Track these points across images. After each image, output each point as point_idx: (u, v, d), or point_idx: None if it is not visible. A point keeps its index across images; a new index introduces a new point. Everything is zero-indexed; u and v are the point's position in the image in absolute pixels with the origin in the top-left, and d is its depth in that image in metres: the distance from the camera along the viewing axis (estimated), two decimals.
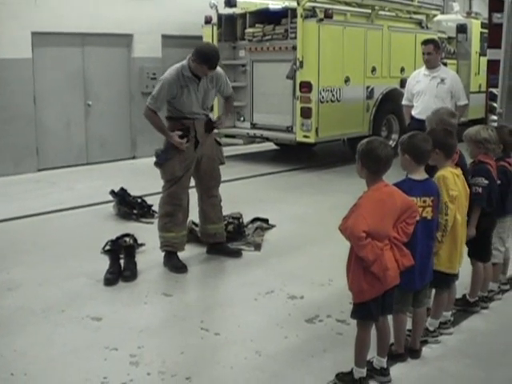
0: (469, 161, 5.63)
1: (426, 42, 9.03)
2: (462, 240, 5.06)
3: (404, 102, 9.38)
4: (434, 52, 8.85)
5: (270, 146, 15.77)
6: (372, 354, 4.55)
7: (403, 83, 13.66)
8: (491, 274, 5.86)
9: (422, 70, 9.07)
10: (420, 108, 8.77)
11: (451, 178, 4.87)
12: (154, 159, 7.01)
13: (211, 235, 7.40)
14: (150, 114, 6.91)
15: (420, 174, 4.68)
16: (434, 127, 5.34)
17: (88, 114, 13.86)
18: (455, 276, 5.12)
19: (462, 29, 16.23)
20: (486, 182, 5.39)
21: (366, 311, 4.31)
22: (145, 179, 11.24)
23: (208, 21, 13.65)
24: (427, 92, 8.77)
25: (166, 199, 6.99)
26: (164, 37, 14.73)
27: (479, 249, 5.59)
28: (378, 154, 4.22)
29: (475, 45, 16.47)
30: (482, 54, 16.10)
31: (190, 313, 5.86)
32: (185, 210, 7.09)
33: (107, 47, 14.00)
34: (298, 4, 12.24)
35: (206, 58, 6.72)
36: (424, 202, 4.59)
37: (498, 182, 5.58)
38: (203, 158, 7.07)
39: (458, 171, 5.03)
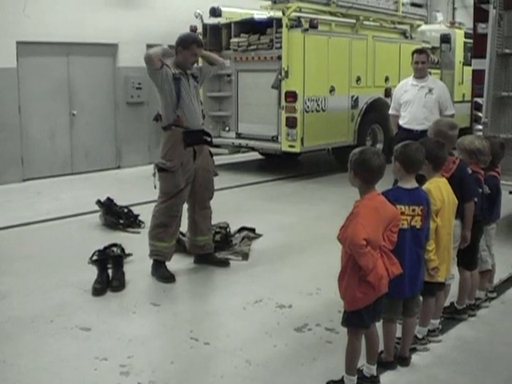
0: None
1: (420, 51, 9.11)
2: (448, 249, 5.10)
3: (391, 111, 9.42)
4: (426, 61, 8.94)
5: (255, 155, 15.82)
6: (361, 362, 4.56)
7: (388, 93, 13.84)
8: (478, 282, 5.91)
9: (410, 79, 9.13)
10: (408, 118, 8.83)
11: (436, 190, 4.90)
12: (155, 168, 6.93)
13: (200, 247, 7.39)
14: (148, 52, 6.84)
15: (410, 183, 4.70)
16: (426, 138, 5.37)
17: (73, 123, 13.82)
18: (441, 285, 5.15)
19: (445, 39, 16.38)
20: (480, 190, 5.45)
21: (358, 319, 4.33)
22: (130, 189, 11.31)
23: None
24: (415, 102, 8.82)
25: (163, 210, 6.94)
26: (149, 46, 14.58)
27: (466, 257, 5.62)
28: (371, 164, 4.25)
29: (459, 54, 16.63)
30: (466, 63, 16.22)
31: (178, 322, 5.86)
32: (179, 221, 7.10)
33: (92, 57, 13.99)
34: (284, 14, 12.30)
35: (191, 38, 7.10)
36: (413, 210, 4.61)
37: (488, 191, 5.66)
38: (199, 170, 7.08)
39: (444, 180, 5.07)
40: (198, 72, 7.20)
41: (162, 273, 6.95)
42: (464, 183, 5.26)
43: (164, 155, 6.89)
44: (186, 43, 6.92)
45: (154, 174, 6.94)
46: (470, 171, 5.39)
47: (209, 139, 7.16)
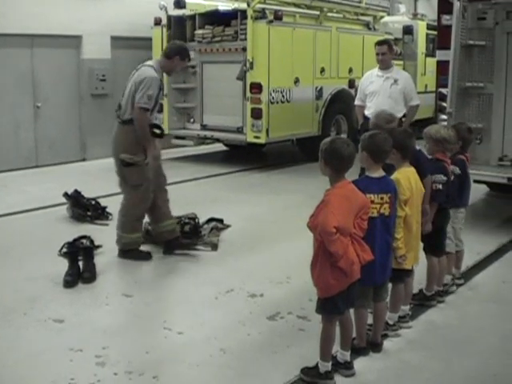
0: None
1: (380, 43, 9.17)
2: (416, 237, 5.21)
3: (357, 102, 9.47)
4: (388, 52, 9.01)
5: (220, 147, 15.81)
6: (334, 349, 4.64)
7: (351, 84, 13.96)
8: (446, 268, 6.03)
9: (375, 70, 9.18)
10: (373, 108, 8.85)
11: (405, 180, 5.00)
12: (121, 164, 7.07)
13: (170, 231, 7.49)
14: (144, 115, 6.89)
15: (377, 172, 4.80)
16: (394, 128, 5.45)
17: (37, 116, 13.69)
18: (409, 271, 5.26)
19: (408, 30, 16.56)
20: (445, 178, 5.57)
21: (332, 306, 4.41)
22: (96, 181, 11.23)
23: (157, 22, 13.64)
24: (381, 92, 8.89)
25: (137, 202, 7.13)
26: (113, 38, 14.60)
27: (434, 244, 5.75)
28: (341, 153, 4.34)
29: (421, 46, 16.82)
30: (428, 54, 16.46)
31: (151, 312, 5.90)
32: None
33: (56, 49, 13.82)
34: (248, 5, 12.34)
35: (187, 52, 7.35)
36: (381, 198, 4.72)
37: (459, 171, 5.81)
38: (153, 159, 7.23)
39: (413, 169, 5.16)
40: None
41: (139, 255, 7.23)
42: (418, 161, 5.36)
43: (126, 150, 6.99)
44: (184, 56, 7.23)
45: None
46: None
47: (159, 132, 7.21)
